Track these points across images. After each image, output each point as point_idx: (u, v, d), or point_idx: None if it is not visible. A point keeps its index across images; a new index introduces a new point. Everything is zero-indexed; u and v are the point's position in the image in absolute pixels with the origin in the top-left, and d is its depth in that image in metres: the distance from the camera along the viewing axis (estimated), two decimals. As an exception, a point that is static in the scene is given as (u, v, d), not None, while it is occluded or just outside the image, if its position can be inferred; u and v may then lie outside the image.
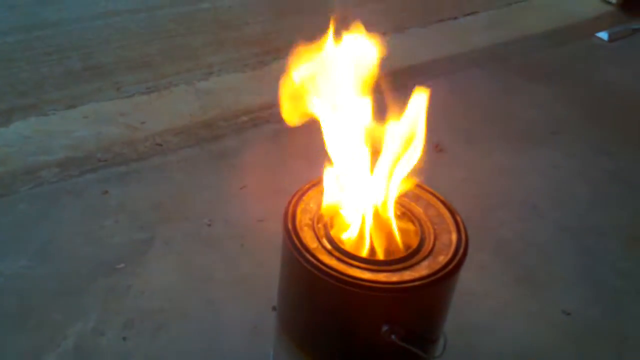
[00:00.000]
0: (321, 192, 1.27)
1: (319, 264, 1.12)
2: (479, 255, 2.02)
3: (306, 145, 2.53)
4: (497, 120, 2.95)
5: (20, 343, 1.72)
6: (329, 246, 1.19)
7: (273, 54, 3.41)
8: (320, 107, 1.25)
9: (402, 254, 1.20)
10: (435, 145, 2.66)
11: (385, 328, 1.13)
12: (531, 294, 1.99)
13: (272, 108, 2.89)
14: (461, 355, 1.70)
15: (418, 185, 1.34)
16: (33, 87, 2.98)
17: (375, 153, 1.25)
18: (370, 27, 1.26)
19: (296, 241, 1.17)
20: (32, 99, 2.88)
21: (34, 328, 1.77)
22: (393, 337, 1.13)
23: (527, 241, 2.21)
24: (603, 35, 3.86)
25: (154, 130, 2.71)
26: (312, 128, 2.59)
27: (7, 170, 2.39)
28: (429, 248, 1.20)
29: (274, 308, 1.82)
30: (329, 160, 1.25)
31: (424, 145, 1.23)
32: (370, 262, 1.16)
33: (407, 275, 1.13)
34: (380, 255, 1.24)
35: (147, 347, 1.73)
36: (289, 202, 1.27)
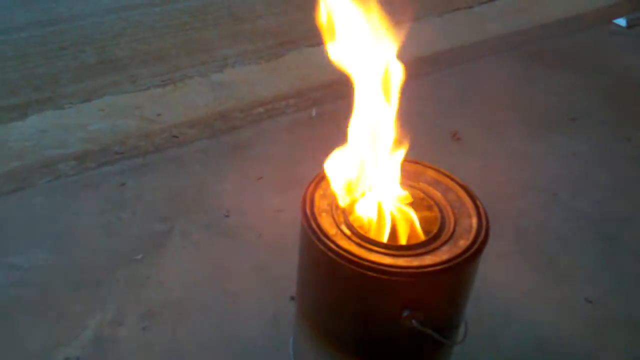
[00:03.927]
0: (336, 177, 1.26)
1: (338, 250, 1.11)
2: (498, 243, 1.99)
3: (322, 136, 2.53)
4: (515, 107, 2.92)
5: (40, 334, 1.72)
6: (348, 232, 1.17)
7: (287, 45, 3.40)
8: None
9: (422, 239, 1.18)
10: (453, 134, 2.64)
11: (405, 313, 1.12)
12: (552, 282, 1.97)
13: (287, 99, 2.88)
14: (481, 343, 1.69)
15: (436, 169, 1.33)
16: (49, 82, 2.99)
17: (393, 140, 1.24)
18: (385, 17, 1.24)
19: (315, 227, 1.16)
20: (48, 93, 2.89)
21: (54, 319, 1.77)
22: (414, 322, 1.12)
23: (547, 229, 2.18)
24: (621, 21, 3.81)
25: (170, 122, 2.71)
26: (327, 119, 2.58)
27: (24, 164, 2.40)
28: (450, 233, 1.18)
29: (292, 298, 1.81)
30: (346, 144, 1.24)
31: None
32: (390, 247, 1.14)
33: (428, 259, 1.12)
34: (400, 240, 1.22)
35: (166, 338, 1.73)
36: (307, 188, 1.25)
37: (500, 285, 1.92)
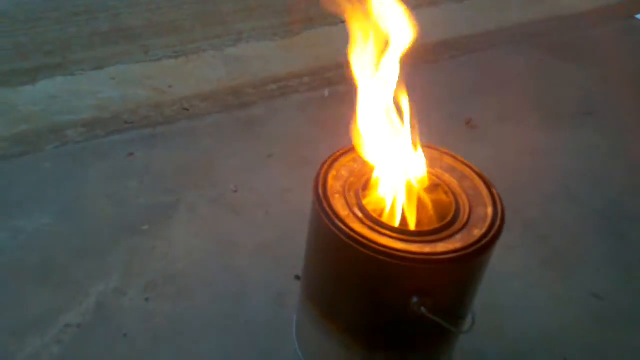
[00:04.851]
0: (355, 159, 1.24)
1: (350, 232, 1.09)
2: (506, 234, 1.95)
3: (334, 117, 2.49)
4: (531, 98, 2.88)
5: (42, 300, 1.71)
6: (360, 214, 1.15)
7: (303, 23, 3.36)
8: (358, 72, 1.21)
9: (435, 226, 1.16)
10: (467, 121, 2.61)
11: (415, 300, 1.10)
12: (560, 276, 1.95)
13: (301, 77, 2.85)
14: (487, 335, 1.67)
15: (452, 156, 1.30)
16: (60, 47, 2.96)
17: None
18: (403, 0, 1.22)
19: (327, 208, 1.14)
20: (59, 59, 2.86)
21: (56, 286, 1.76)
22: (422, 309, 1.10)
23: (556, 222, 2.16)
24: (642, 17, 3.76)
25: (181, 94, 2.68)
26: (340, 100, 2.56)
27: (33, 129, 2.38)
28: (464, 221, 1.17)
29: (297, 277, 1.80)
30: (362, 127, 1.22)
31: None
32: (403, 232, 1.13)
33: (441, 247, 1.10)
34: (413, 225, 1.20)
35: (169, 309, 1.72)
36: (320, 168, 1.23)
37: (507, 276, 1.91)
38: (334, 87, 2.79)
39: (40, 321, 1.65)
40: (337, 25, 3.28)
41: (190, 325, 1.69)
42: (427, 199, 1.22)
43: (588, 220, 2.18)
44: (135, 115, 2.52)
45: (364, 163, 1.25)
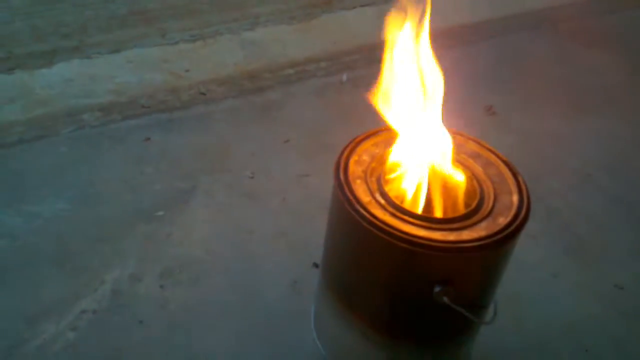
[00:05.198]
0: (377, 144, 1.21)
1: (372, 219, 1.06)
2: (529, 223, 1.93)
3: (352, 101, 2.47)
4: (552, 85, 2.83)
5: (57, 286, 1.70)
6: (382, 201, 1.12)
7: (321, 7, 3.32)
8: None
9: (459, 213, 1.13)
10: (487, 108, 2.56)
11: (437, 289, 1.07)
12: (582, 265, 1.91)
13: (318, 62, 2.81)
14: (508, 325, 1.64)
15: (477, 142, 1.27)
16: (77, 30, 2.93)
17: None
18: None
19: (348, 194, 1.11)
20: (76, 42, 2.84)
21: (72, 272, 1.74)
22: (445, 298, 1.07)
23: (579, 211, 2.11)
24: (667, 2, 3.68)
25: (198, 78, 2.66)
26: (358, 85, 2.52)
27: (49, 112, 2.36)
28: (489, 208, 1.13)
29: (315, 265, 1.77)
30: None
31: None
32: (426, 220, 1.09)
33: (465, 235, 1.06)
34: (437, 213, 1.17)
35: (184, 296, 1.70)
36: (342, 153, 1.20)
37: (529, 265, 1.87)
38: (352, 72, 2.75)
39: (56, 307, 1.64)
40: (355, 9, 3.24)
41: (205, 312, 1.67)
42: (451, 186, 1.18)
43: (612, 209, 2.13)
44: (152, 99, 2.50)
45: (386, 148, 1.22)
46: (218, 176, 2.13)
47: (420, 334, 1.23)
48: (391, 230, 1.03)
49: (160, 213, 1.96)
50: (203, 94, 2.56)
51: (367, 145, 1.25)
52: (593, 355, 1.65)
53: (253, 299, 1.71)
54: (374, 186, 1.16)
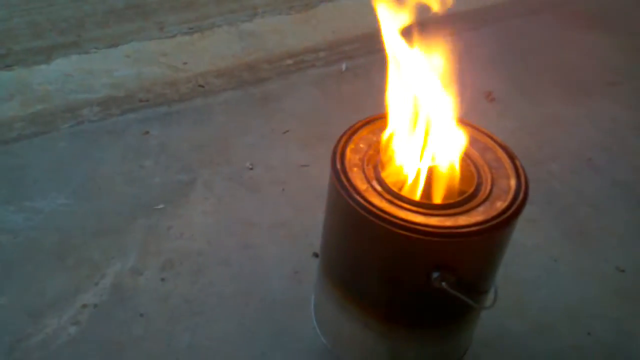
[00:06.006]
0: (374, 132, 1.21)
1: (368, 206, 1.06)
2: (528, 207, 1.92)
3: (352, 91, 2.46)
4: (552, 69, 2.82)
5: (59, 280, 1.70)
6: (379, 188, 1.12)
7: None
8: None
9: (457, 198, 1.13)
10: (487, 94, 2.56)
11: (436, 275, 1.07)
12: (583, 249, 1.91)
13: (317, 52, 2.80)
14: (509, 309, 1.65)
15: (474, 127, 1.27)
16: (75, 25, 2.93)
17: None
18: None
19: (345, 182, 1.11)
20: (74, 37, 2.84)
21: (73, 266, 1.75)
22: (444, 284, 1.07)
23: (579, 194, 2.11)
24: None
25: (196, 71, 2.65)
26: (358, 74, 2.52)
27: (48, 108, 2.37)
28: (486, 193, 1.13)
29: (315, 254, 1.78)
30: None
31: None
32: (423, 206, 1.09)
33: (462, 220, 1.06)
34: (434, 199, 1.17)
35: (185, 289, 1.71)
36: (339, 141, 1.20)
37: (529, 250, 1.87)
38: (351, 61, 2.74)
39: (57, 302, 1.64)
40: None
41: (207, 304, 1.67)
42: (448, 171, 1.18)
43: (612, 192, 2.13)
44: (150, 93, 2.49)
45: (383, 135, 1.22)
46: (217, 168, 2.13)
47: (419, 320, 1.23)
48: (387, 217, 1.03)
49: (161, 206, 1.96)
50: (201, 86, 2.55)
51: (364, 132, 1.25)
52: (595, 338, 1.65)
53: (254, 290, 1.71)
54: (371, 174, 1.16)
